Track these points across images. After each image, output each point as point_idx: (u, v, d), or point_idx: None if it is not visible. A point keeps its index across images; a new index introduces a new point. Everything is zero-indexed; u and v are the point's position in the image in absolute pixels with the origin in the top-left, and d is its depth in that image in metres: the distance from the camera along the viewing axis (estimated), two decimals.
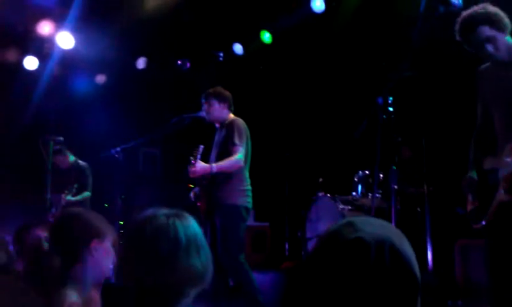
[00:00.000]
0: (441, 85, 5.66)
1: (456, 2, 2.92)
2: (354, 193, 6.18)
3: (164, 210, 1.62)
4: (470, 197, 3.05)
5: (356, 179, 6.19)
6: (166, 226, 1.57)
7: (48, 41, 6.90)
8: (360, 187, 6.15)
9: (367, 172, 6.11)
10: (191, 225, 1.62)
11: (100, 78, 7.81)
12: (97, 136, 7.06)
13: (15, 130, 7.18)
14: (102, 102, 7.61)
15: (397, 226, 5.36)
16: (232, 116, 4.69)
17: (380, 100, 2.88)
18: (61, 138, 6.13)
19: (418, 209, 5.84)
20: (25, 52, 7.09)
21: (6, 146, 7.07)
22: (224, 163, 4.38)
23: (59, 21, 6.67)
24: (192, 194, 4.69)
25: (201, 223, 1.70)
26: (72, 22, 6.54)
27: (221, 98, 4.66)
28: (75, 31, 6.80)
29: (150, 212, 1.63)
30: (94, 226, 2.19)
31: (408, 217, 5.80)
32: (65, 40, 6.85)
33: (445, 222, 5.33)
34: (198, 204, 4.58)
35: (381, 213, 4.83)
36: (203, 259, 1.59)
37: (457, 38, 2.89)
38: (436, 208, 5.27)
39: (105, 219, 2.29)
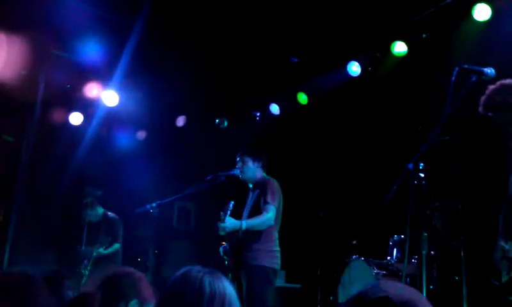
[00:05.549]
0: (476, 150, 5.58)
1: (489, 71, 2.94)
2: (389, 257, 6.02)
3: (198, 267, 1.67)
4: (503, 269, 2.96)
5: (391, 243, 6.05)
6: (194, 278, 1.62)
7: (94, 100, 7.15)
8: (395, 251, 6.00)
9: (402, 236, 5.98)
10: (221, 282, 1.64)
11: (141, 135, 8.05)
12: (135, 190, 7.22)
13: (59, 182, 7.40)
14: (141, 158, 7.81)
15: (433, 293, 5.18)
16: (265, 176, 4.72)
17: (411, 165, 2.88)
18: (99, 191, 6.30)
19: (456, 278, 5.63)
20: (71, 109, 7.37)
21: (50, 197, 7.30)
22: (254, 220, 4.35)
23: (105, 80, 6.96)
24: (222, 251, 4.68)
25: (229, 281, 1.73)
26: (117, 81, 6.82)
27: (256, 158, 4.69)
28: (119, 89, 7.08)
29: (185, 268, 1.68)
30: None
31: (444, 286, 5.59)
32: (110, 98, 7.09)
33: (483, 291, 5.12)
34: (227, 262, 4.56)
35: (415, 279, 4.69)
36: None
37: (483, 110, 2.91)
38: (474, 276, 5.08)
39: (148, 283, 2.18)
